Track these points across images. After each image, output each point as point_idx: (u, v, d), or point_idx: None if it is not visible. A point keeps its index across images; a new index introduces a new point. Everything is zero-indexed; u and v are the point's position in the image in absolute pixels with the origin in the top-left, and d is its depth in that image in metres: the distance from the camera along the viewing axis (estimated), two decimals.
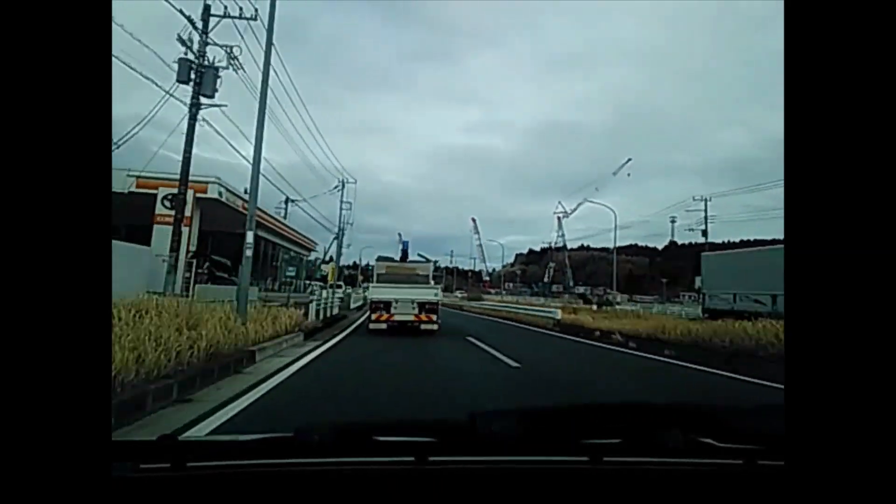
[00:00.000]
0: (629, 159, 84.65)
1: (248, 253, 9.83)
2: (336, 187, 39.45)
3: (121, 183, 16.80)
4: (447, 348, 10.00)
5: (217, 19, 13.33)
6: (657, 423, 1.01)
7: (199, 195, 18.38)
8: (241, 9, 13.02)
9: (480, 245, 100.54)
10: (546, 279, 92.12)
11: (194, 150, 13.74)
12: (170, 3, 11.72)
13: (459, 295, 58.42)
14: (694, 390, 6.46)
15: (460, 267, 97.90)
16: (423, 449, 0.93)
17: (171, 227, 14.29)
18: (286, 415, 4.32)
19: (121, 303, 6.63)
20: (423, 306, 12.68)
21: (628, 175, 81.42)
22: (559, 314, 18.71)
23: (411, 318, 12.59)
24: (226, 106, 13.99)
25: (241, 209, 18.19)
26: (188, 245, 16.86)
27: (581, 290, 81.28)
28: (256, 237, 14.22)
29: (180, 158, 13.78)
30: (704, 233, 39.84)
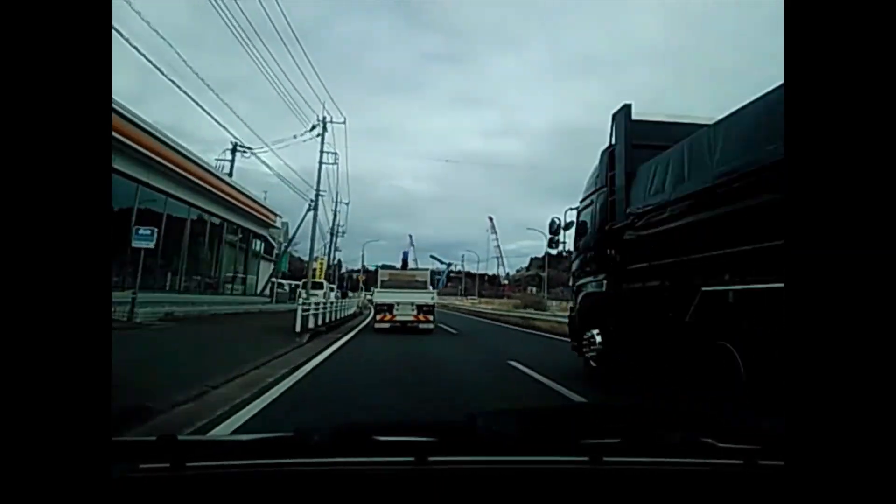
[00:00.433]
0: None
1: None
2: (314, 129, 22.80)
3: None
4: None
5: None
6: (657, 423, 1.01)
7: None
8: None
9: (498, 246, 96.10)
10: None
11: None
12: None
13: (471, 301, 52.26)
14: None
15: (472, 270, 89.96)
16: (423, 449, 0.93)
17: None
18: None
19: None
20: (420, 308, 15.08)
21: None
22: None
23: (411, 318, 14.89)
24: None
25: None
26: None
27: None
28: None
29: None
30: None
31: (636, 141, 5.65)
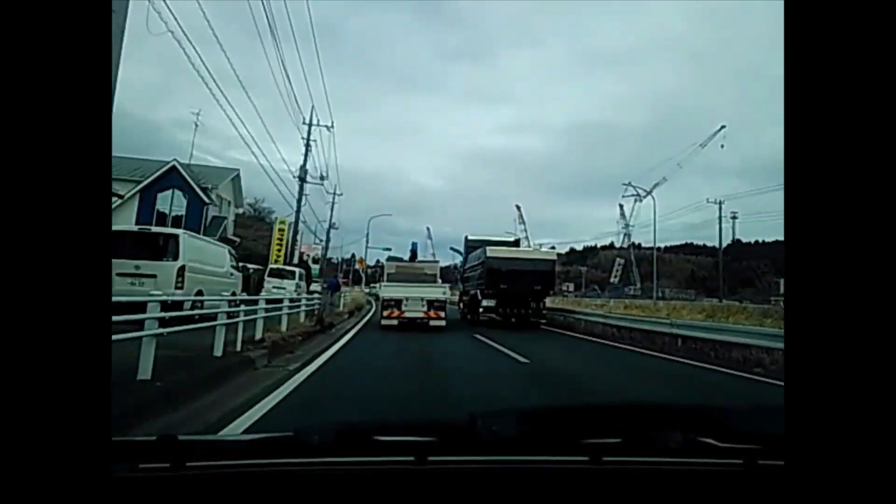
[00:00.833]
0: (723, 126, 59.72)
1: None
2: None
3: None
4: None
5: None
6: (657, 423, 1.01)
7: None
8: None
9: (527, 237, 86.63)
10: (614, 278, 73.56)
11: None
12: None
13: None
14: None
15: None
16: (423, 449, 0.93)
17: None
18: None
19: None
20: (431, 304, 13.53)
21: (722, 147, 58.52)
22: None
23: (421, 314, 13.43)
24: None
25: None
26: None
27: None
28: None
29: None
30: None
31: (469, 245, 19.48)
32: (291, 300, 12.46)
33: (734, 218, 59.29)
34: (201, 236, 13.18)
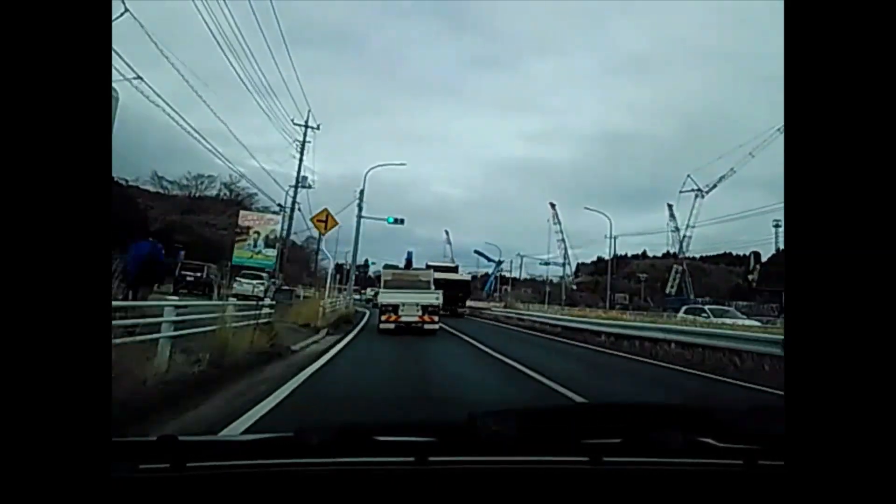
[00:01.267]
0: (779, 129, 48.40)
1: None
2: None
3: None
4: None
5: None
6: (657, 423, 1.01)
7: None
8: None
9: (563, 239, 70.17)
10: (670, 289, 59.14)
11: None
12: None
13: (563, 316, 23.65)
14: None
15: (508, 273, 70.21)
16: (423, 449, 0.93)
17: None
18: None
19: None
20: (426, 309, 14.76)
21: (751, 154, 51.89)
22: None
23: (416, 319, 14.63)
24: None
25: None
26: None
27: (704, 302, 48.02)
28: None
29: None
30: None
31: (428, 267, 22.14)
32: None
33: (777, 227, 54.44)
34: None
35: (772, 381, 7.52)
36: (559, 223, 69.50)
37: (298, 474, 0.90)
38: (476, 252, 72.44)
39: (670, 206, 60.27)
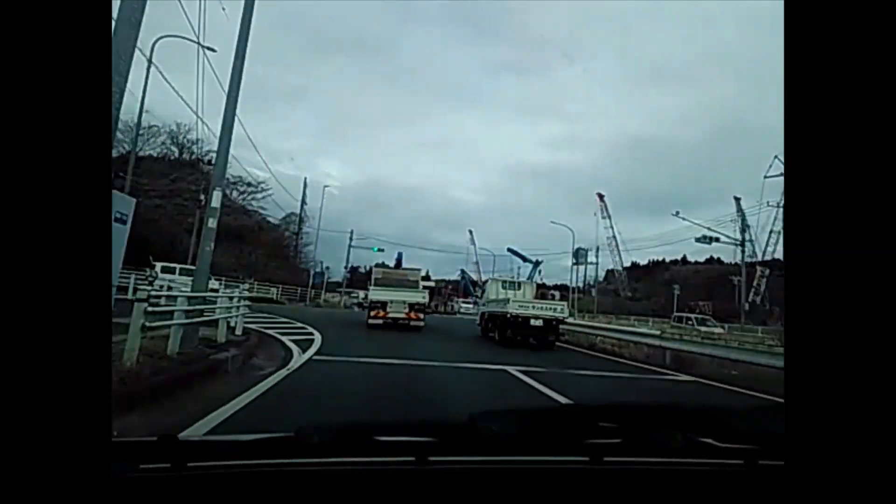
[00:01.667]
0: None
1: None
2: None
3: None
4: None
5: None
6: (657, 423, 1.01)
7: None
8: None
9: (615, 237, 62.20)
10: (756, 296, 50.01)
11: None
12: None
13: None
14: None
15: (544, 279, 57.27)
16: (424, 449, 0.93)
17: None
18: None
19: None
20: (412, 306, 15.50)
21: (776, 158, 44.30)
22: None
23: (402, 315, 15.35)
24: None
25: None
26: None
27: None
28: None
29: None
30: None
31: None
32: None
33: None
34: None
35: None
36: (609, 216, 60.75)
37: (298, 474, 0.90)
38: (510, 251, 61.12)
39: (738, 200, 50.70)
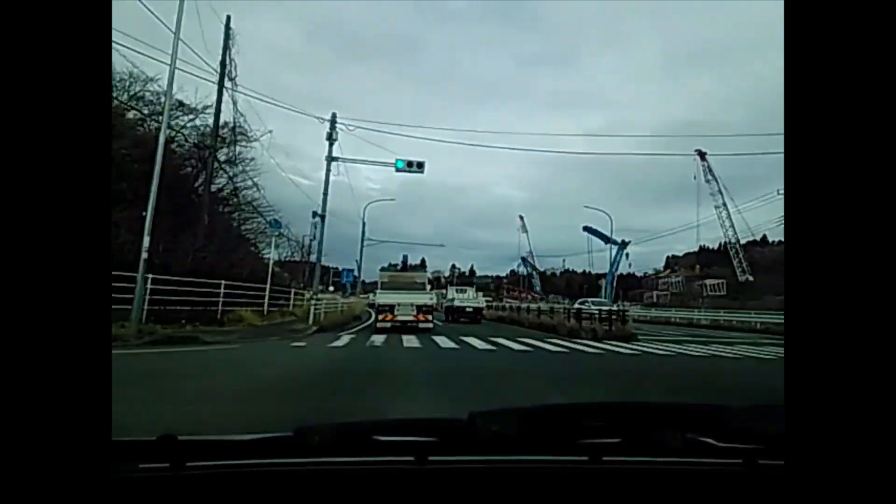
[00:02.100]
0: None
1: None
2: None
3: None
4: None
5: None
6: (657, 423, 1.01)
7: None
8: None
9: (724, 204, 50.17)
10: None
11: None
12: None
13: None
14: None
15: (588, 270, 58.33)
16: (423, 449, 0.93)
17: None
18: None
19: None
20: (420, 308, 15.53)
21: None
22: None
23: (411, 318, 15.37)
24: None
25: None
26: None
27: None
28: None
29: None
30: None
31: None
32: None
33: None
34: None
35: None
36: (715, 179, 47.97)
37: (298, 474, 0.90)
38: (586, 229, 50.70)
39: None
